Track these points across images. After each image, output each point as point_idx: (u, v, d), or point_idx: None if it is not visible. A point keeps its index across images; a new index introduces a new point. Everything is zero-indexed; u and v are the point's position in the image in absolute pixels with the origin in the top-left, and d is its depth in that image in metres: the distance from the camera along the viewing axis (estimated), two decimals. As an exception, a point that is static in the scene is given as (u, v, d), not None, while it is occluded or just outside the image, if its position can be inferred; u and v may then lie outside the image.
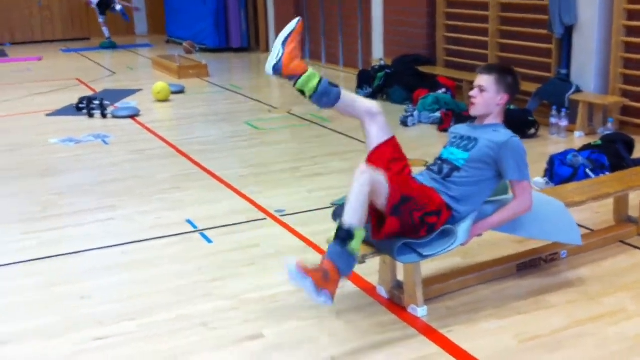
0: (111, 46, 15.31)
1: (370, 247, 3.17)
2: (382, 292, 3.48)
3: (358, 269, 3.62)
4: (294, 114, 7.99)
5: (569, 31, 6.79)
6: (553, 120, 6.55)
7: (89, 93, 9.34)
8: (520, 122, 6.51)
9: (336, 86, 3.27)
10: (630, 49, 6.35)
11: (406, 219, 3.08)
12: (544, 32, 7.11)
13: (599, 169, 4.97)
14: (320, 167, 5.81)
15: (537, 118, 6.66)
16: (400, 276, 3.40)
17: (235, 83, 10.36)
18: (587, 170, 4.88)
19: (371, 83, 8.70)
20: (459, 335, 3.09)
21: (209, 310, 3.40)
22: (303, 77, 3.20)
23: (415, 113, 7.25)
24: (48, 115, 8.23)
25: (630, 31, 6.34)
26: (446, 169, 3.33)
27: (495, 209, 3.36)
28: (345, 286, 3.59)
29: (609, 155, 5.11)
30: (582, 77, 6.67)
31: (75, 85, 10.35)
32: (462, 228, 3.21)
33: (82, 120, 7.94)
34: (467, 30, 8.37)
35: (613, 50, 6.42)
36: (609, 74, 6.54)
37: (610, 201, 4.24)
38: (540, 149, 6.22)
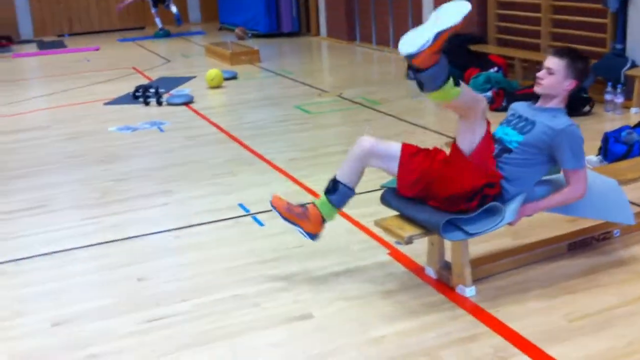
0: (165, 35, 15.57)
1: (418, 228, 3.20)
2: (431, 272, 3.50)
3: (406, 249, 3.71)
4: (344, 97, 8.02)
5: (623, 5, 6.61)
6: (608, 96, 6.41)
7: (145, 81, 9.55)
8: (574, 99, 6.35)
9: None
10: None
11: (476, 184, 3.12)
12: (598, 6, 6.95)
13: (654, 146, 4.86)
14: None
15: (592, 95, 6.53)
16: (448, 257, 3.42)
17: (286, 68, 10.43)
18: (643, 148, 4.78)
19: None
20: (507, 314, 3.10)
21: (260, 291, 3.49)
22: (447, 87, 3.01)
23: (466, 93, 7.18)
24: (106, 104, 8.46)
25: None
26: (497, 149, 3.31)
27: (546, 190, 3.35)
28: (395, 267, 3.65)
29: (666, 131, 5.00)
30: (638, 51, 6.50)
31: (131, 74, 10.60)
32: (511, 207, 3.20)
33: (138, 108, 8.14)
34: (519, 6, 8.22)
35: (671, 24, 6.24)
36: (668, 47, 6.36)
37: (665, 178, 4.14)
38: (596, 127, 6.11)
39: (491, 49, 8.46)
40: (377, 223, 3.37)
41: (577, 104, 6.37)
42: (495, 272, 3.46)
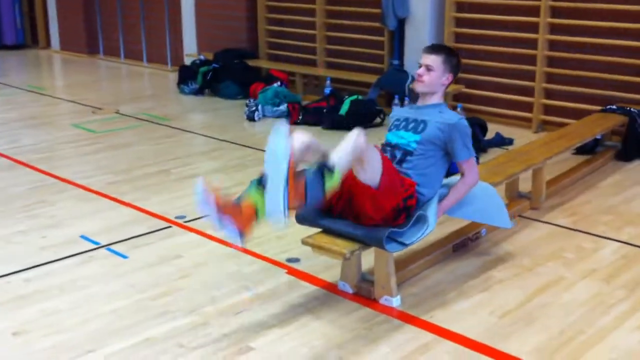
0: None
1: (355, 243, 3.14)
2: (346, 287, 3.45)
3: (302, 266, 3.69)
4: (123, 114, 7.52)
5: (401, 24, 7.18)
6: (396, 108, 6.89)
7: None
8: (367, 112, 6.79)
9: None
10: (460, 39, 6.90)
11: (394, 203, 3.12)
12: (375, 24, 7.46)
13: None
14: (192, 168, 5.56)
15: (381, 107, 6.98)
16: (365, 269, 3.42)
17: (31, 83, 9.42)
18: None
19: (195, 78, 8.47)
20: (442, 319, 3.19)
21: (176, 328, 3.13)
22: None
23: (259, 107, 7.20)
24: None
25: (460, 22, 6.89)
26: (399, 154, 3.40)
27: (446, 189, 3.51)
28: (303, 286, 3.53)
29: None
30: (416, 67, 7.07)
31: None
32: (431, 212, 3.30)
33: None
34: (292, 24, 8.46)
35: (446, 41, 6.92)
36: (442, 63, 7.03)
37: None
38: (391, 136, 6.54)
39: (263, 63, 8.59)
40: (306, 241, 3.23)
41: (371, 116, 6.76)
42: (404, 280, 3.53)
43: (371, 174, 3.08)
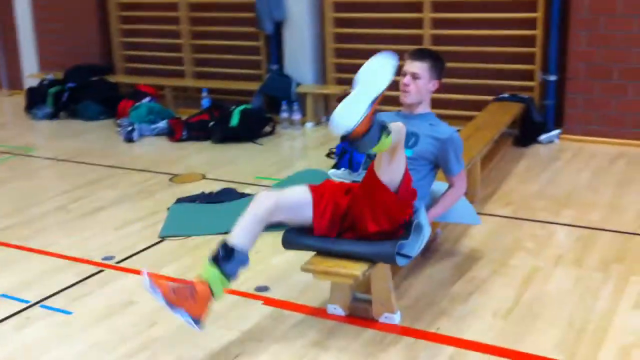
0: None
1: (363, 263, 2.92)
2: (338, 310, 3.23)
3: (277, 294, 3.46)
4: (-25, 147, 6.65)
5: (278, 28, 6.98)
6: (285, 114, 6.70)
7: None
8: (257, 120, 6.54)
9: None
10: (341, 39, 6.83)
11: (406, 215, 3.01)
12: (248, 29, 7.19)
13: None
14: (91, 201, 4.99)
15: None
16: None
17: None
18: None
19: (45, 101, 7.70)
20: (450, 329, 3.07)
21: (177, 388, 2.75)
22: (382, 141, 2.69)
23: (136, 126, 6.67)
24: None
25: (339, 22, 6.82)
26: None
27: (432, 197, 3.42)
28: (290, 316, 3.26)
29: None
30: (297, 70, 6.93)
31: None
32: (424, 220, 3.17)
33: None
34: (152, 33, 7.94)
35: (327, 42, 6.83)
36: (324, 64, 6.94)
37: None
38: (286, 144, 6.39)
39: (121, 78, 8.01)
40: (306, 268, 2.96)
41: (260, 125, 6.51)
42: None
43: (393, 173, 2.89)
